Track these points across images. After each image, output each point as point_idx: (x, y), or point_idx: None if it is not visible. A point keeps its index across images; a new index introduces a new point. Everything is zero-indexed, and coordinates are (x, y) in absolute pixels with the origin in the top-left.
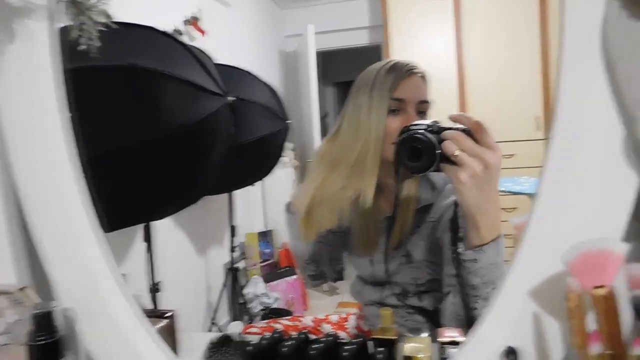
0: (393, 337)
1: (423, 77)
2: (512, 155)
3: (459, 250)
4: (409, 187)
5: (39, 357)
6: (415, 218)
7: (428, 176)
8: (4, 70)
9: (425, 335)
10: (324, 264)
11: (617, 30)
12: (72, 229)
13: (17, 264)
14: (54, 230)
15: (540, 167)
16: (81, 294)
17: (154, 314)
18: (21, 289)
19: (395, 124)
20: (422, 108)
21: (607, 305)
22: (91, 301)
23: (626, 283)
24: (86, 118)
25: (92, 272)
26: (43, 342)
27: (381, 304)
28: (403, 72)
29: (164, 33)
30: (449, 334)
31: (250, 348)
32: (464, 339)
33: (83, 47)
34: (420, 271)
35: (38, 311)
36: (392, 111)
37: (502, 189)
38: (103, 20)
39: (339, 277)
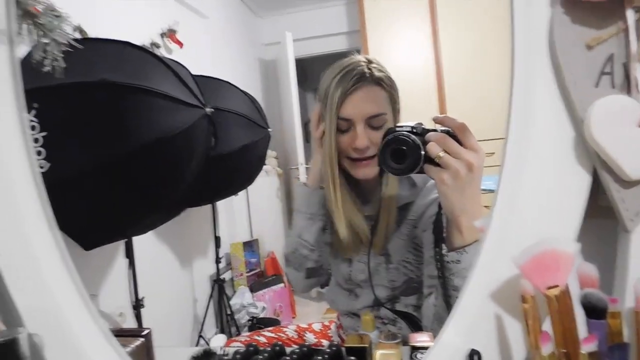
0: (364, 345)
1: (378, 83)
2: (492, 153)
3: (443, 251)
4: (391, 186)
5: None
6: (395, 216)
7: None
8: None
9: (396, 341)
10: (324, 255)
11: (562, 35)
12: (32, 252)
13: None
14: (15, 254)
15: None
16: (46, 318)
17: (130, 333)
18: None
19: (344, 143)
20: (374, 123)
21: (561, 305)
22: (56, 326)
23: (578, 282)
24: (58, 137)
25: (55, 296)
26: None
27: (355, 314)
28: (349, 86)
29: (138, 47)
30: (420, 338)
31: None
32: (431, 343)
33: (47, 68)
34: (397, 272)
35: (3, 339)
36: (341, 130)
37: (484, 187)
38: (66, 41)
39: (328, 280)
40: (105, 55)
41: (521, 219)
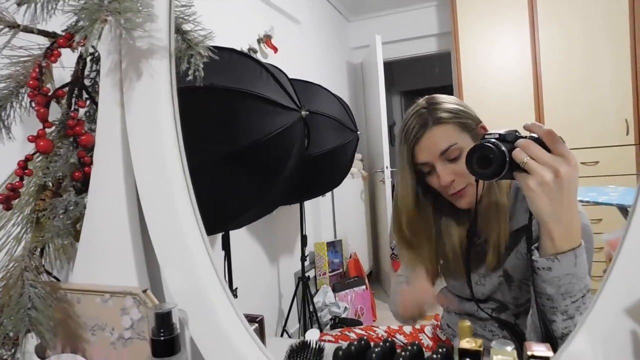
0: (479, 349)
1: (439, 122)
2: (596, 162)
3: (533, 257)
4: (502, 207)
5: (160, 350)
6: (511, 238)
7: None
8: (132, 103)
9: (510, 348)
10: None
11: None
12: (183, 236)
13: (139, 269)
14: (169, 237)
15: (631, 174)
16: (190, 296)
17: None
18: (144, 291)
19: (435, 184)
20: (449, 156)
21: None
22: (199, 303)
23: None
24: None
25: (200, 277)
26: (163, 338)
27: (471, 315)
28: (413, 139)
29: (242, 53)
30: (537, 348)
31: (341, 353)
32: (551, 354)
33: (190, 77)
34: (520, 290)
35: (160, 311)
36: (426, 174)
37: (587, 199)
38: (208, 53)
39: None
40: (212, 61)
41: None
